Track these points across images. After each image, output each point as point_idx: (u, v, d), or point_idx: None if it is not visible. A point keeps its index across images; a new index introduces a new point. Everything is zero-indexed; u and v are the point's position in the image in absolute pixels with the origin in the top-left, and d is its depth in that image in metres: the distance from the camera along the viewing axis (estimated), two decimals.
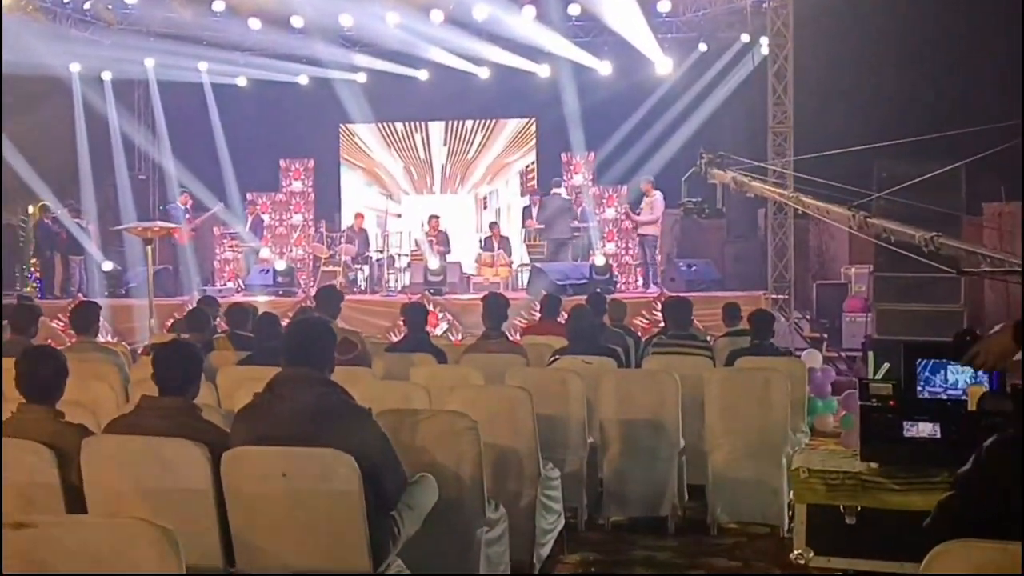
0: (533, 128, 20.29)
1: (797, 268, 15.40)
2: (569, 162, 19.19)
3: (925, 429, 5.02)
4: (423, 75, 19.38)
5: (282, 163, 20.15)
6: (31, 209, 17.97)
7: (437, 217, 18.21)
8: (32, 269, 18.03)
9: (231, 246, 19.08)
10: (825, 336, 14.67)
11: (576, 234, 17.41)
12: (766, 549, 6.61)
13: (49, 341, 10.67)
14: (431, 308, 13.83)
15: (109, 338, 14.30)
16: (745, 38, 17.68)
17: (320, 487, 3.96)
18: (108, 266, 17.07)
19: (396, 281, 18.09)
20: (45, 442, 4.28)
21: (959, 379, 5.01)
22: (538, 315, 11.30)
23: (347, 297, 10.67)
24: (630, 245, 18.72)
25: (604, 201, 19.09)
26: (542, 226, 17.22)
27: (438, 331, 14.28)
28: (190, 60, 19.23)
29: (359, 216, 18.76)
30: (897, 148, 9.67)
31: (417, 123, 20.69)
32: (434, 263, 16.62)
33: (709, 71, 18.25)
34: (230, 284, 18.75)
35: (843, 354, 14.05)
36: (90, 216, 17.89)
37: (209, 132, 19.91)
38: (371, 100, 19.30)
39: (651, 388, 6.92)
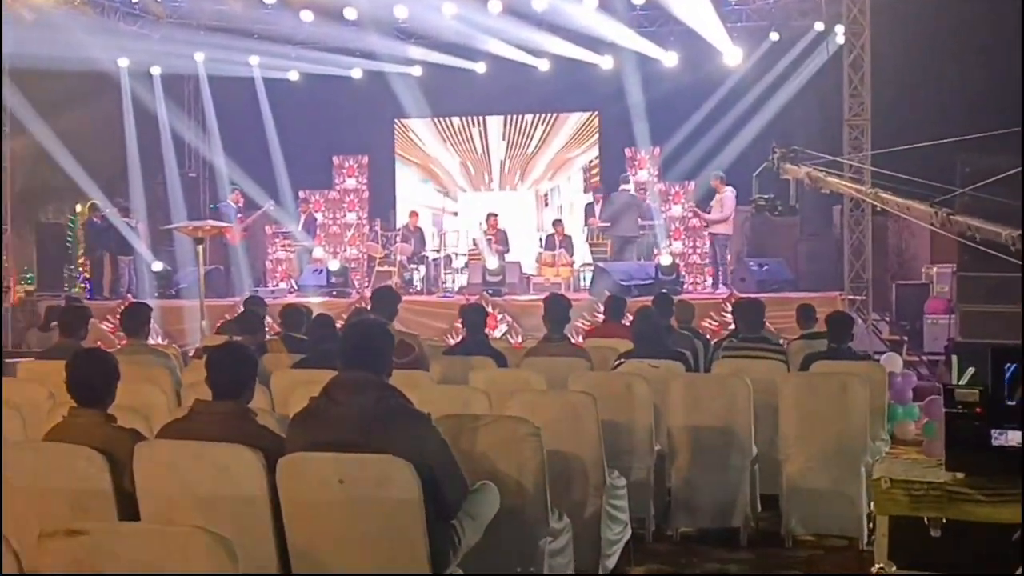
0: (596, 122, 20.25)
1: (875, 268, 15.24)
2: (633, 157, 19.13)
3: (1015, 438, 4.94)
4: (480, 68, 19.37)
5: (335, 160, 20.30)
6: (79, 208, 18.24)
7: (496, 215, 18.24)
8: (81, 270, 18.31)
9: (283, 246, 19.25)
10: (905, 339, 14.50)
11: (642, 232, 17.34)
12: (844, 562, 6.55)
13: (99, 343, 10.85)
14: (490, 309, 13.86)
15: (159, 340, 14.51)
16: (819, 26, 17.50)
17: (378, 495, 3.97)
18: (158, 266, 17.28)
19: (453, 282, 18.15)
20: (97, 447, 4.33)
21: None
22: (602, 317, 11.29)
23: (403, 298, 10.72)
24: (697, 244, 18.65)
25: (670, 198, 19.01)
26: (607, 224, 17.16)
27: (497, 333, 14.32)
28: (241, 54, 19.40)
29: (414, 214, 18.84)
30: (981, 141, 9.53)
31: (474, 117, 20.72)
32: (493, 263, 16.64)
33: (781, 61, 18.06)
34: (282, 285, 18.93)
35: (924, 358, 13.87)
36: (139, 215, 18.10)
37: (260, 128, 20.08)
38: (427, 94, 19.36)
39: (721, 393, 6.88)
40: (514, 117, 20.59)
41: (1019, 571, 4.52)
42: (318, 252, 19.09)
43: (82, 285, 18.07)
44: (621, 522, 5.97)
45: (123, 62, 18.77)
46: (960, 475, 5.04)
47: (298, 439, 4.25)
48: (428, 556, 3.99)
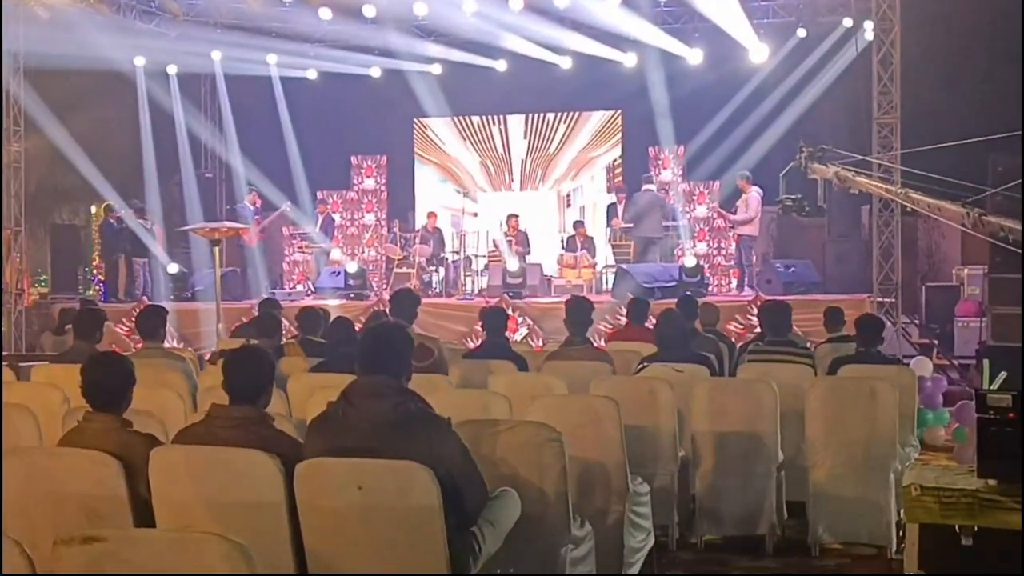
0: (619, 121, 20.22)
1: (904, 269, 15.18)
2: (657, 156, 19.12)
3: None
4: (501, 66, 19.37)
5: (353, 160, 20.37)
6: (94, 209, 18.34)
7: (516, 216, 18.25)
8: (95, 272, 18.40)
9: (301, 247, 19.30)
10: (935, 343, 14.45)
11: (666, 232, 17.31)
12: (872, 571, 6.53)
13: (114, 347, 10.90)
14: (510, 312, 13.86)
15: (175, 343, 14.57)
16: (848, 22, 17.42)
17: (397, 501, 3.98)
18: (174, 268, 17.35)
19: (473, 284, 18.16)
20: (112, 452, 4.34)
21: None
22: (624, 320, 11.28)
23: (422, 301, 10.74)
24: (722, 245, 18.61)
25: (695, 198, 18.98)
26: (630, 225, 17.14)
27: (518, 336, 14.33)
28: (258, 53, 19.44)
29: (432, 215, 18.85)
30: (1014, 140, 9.49)
31: (495, 116, 20.73)
32: (513, 265, 16.65)
33: (808, 58, 18.01)
34: (300, 287, 18.99)
35: (955, 362, 13.82)
36: (155, 216, 18.19)
37: (278, 128, 20.14)
38: (446, 92, 19.39)
39: (747, 398, 6.86)
40: (535, 116, 20.58)
41: None
42: (336, 254, 19.14)
43: (97, 287, 18.18)
44: (644, 529, 5.96)
45: (139, 61, 18.84)
46: (992, 482, 5.03)
47: (316, 444, 4.26)
48: (448, 564, 3.99)
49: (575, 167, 20.51)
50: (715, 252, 18.82)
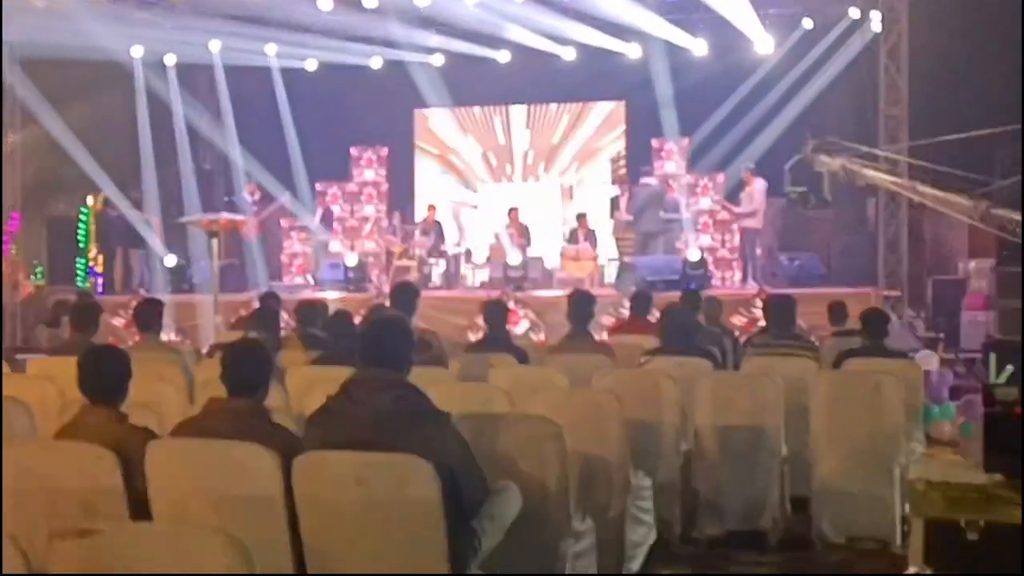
0: (622, 112, 20.21)
1: (911, 262, 15.19)
2: (661, 148, 19.10)
3: None
4: (503, 56, 19.35)
5: (353, 151, 20.36)
6: (91, 200, 18.29)
7: (517, 208, 18.25)
8: (92, 264, 18.39)
9: (300, 239, 19.34)
10: (941, 336, 14.42)
11: (666, 225, 17.22)
12: (877, 566, 6.52)
13: (111, 339, 10.91)
14: (512, 305, 13.85)
15: (173, 336, 14.59)
16: (855, 13, 17.39)
17: (397, 495, 3.99)
18: (171, 260, 17.36)
19: (474, 277, 18.16)
20: (109, 446, 4.35)
21: None
22: (627, 313, 11.28)
23: (422, 294, 10.76)
24: (727, 238, 18.58)
25: (699, 190, 18.96)
26: (631, 218, 17.12)
27: (519, 330, 14.32)
28: (257, 43, 19.36)
29: (432, 207, 18.84)
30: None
31: (497, 107, 20.72)
32: (515, 257, 16.66)
33: (815, 49, 17.95)
34: (299, 279, 19.00)
35: (962, 356, 13.81)
36: (152, 208, 18.15)
37: (277, 119, 20.09)
38: (448, 83, 19.32)
39: (751, 392, 6.87)
40: (538, 107, 20.57)
41: None
42: (335, 246, 19.16)
43: (93, 280, 18.15)
44: (646, 524, 5.97)
45: (136, 51, 18.78)
46: (999, 476, 5.03)
47: (315, 438, 4.27)
48: (448, 558, 4.00)
49: (578, 159, 20.50)
50: (719, 245, 18.79)
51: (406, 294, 8.45)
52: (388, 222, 19.66)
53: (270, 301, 10.33)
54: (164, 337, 11.22)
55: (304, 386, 6.36)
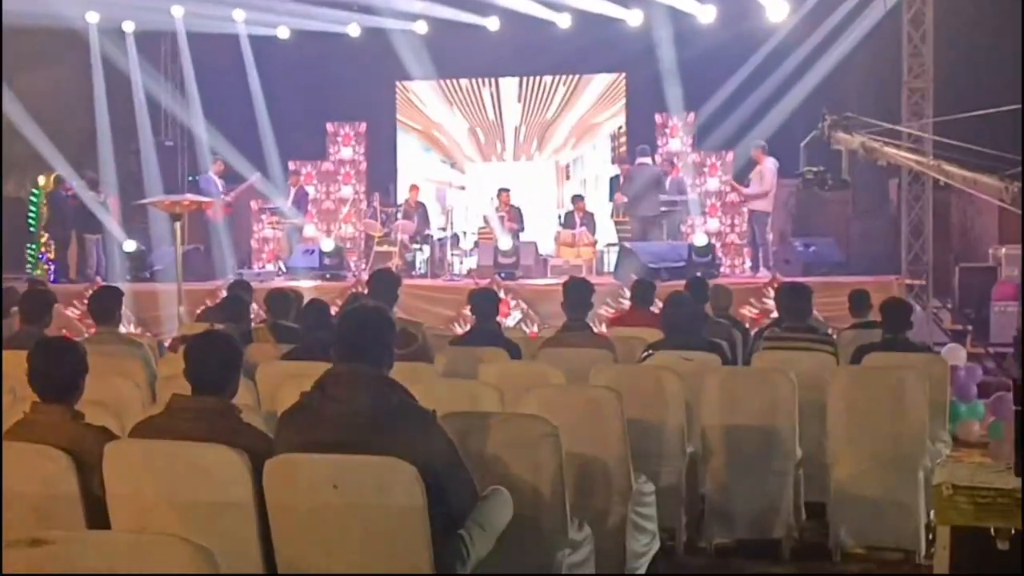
0: (623, 85, 20.21)
1: (936, 249, 15.21)
2: (665, 124, 19.08)
3: None
4: (493, 24, 19.32)
5: (329, 127, 20.33)
6: (42, 180, 18.27)
7: (508, 190, 18.25)
8: (43, 249, 18.35)
9: (271, 223, 19.29)
10: (969, 329, 14.47)
11: (663, 209, 17.13)
12: None
13: (64, 331, 10.89)
14: (502, 295, 13.86)
15: (132, 328, 14.57)
16: None
17: (377, 501, 3.99)
18: (130, 246, 17.32)
19: (461, 263, 18.19)
20: (63, 447, 4.35)
21: None
22: (628, 303, 11.31)
23: (405, 282, 10.78)
24: (736, 221, 18.59)
25: (706, 170, 18.96)
26: (627, 199, 17.11)
27: (510, 321, 14.35)
28: (224, 8, 19.27)
29: (414, 188, 18.86)
30: None
31: (486, 79, 20.70)
32: (505, 243, 16.65)
33: (832, 16, 17.90)
34: (270, 266, 19.00)
35: (991, 350, 13.85)
36: (110, 188, 18.12)
37: (246, 91, 20.05)
38: (432, 53, 19.27)
39: (762, 389, 6.89)
40: (531, 79, 20.56)
41: None
42: (310, 230, 19.16)
43: (45, 266, 18.12)
44: (649, 532, 5.98)
45: (92, 17, 18.73)
46: None
47: (288, 439, 4.27)
48: (433, 570, 4.00)
49: (575, 135, 20.50)
50: (728, 229, 18.78)
51: (386, 282, 8.44)
52: (367, 204, 19.65)
53: (238, 290, 10.31)
54: (123, 329, 11.21)
55: (276, 382, 6.38)
